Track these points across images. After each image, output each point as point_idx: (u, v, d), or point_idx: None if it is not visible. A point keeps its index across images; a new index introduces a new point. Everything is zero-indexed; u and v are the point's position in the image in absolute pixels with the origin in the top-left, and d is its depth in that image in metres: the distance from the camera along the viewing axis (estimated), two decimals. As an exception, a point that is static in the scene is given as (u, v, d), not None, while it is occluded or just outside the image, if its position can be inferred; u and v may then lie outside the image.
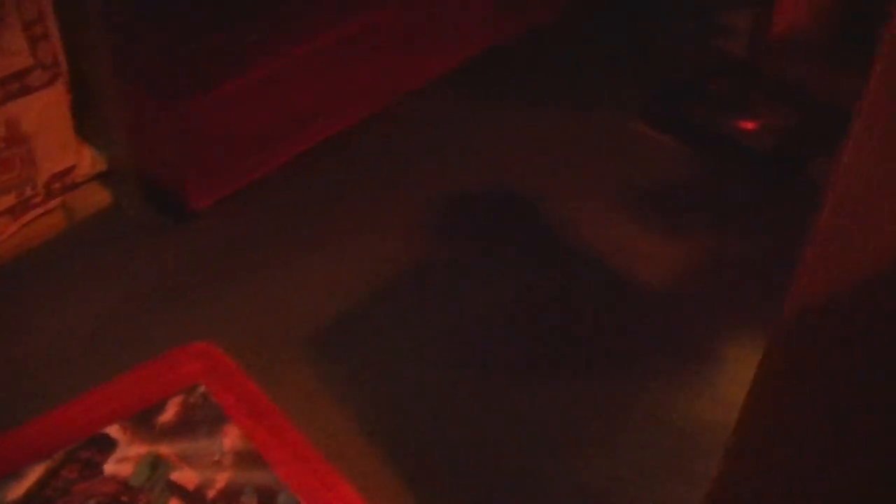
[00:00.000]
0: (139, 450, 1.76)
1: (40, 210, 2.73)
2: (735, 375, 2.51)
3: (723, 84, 3.33)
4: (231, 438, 1.78)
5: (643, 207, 3.00)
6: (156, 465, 1.74)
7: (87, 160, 2.78)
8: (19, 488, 1.69)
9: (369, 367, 2.53)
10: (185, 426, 1.80)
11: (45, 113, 2.61)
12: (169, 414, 1.82)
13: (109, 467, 1.74)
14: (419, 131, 3.18)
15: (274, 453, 1.76)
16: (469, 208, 2.98)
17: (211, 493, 1.70)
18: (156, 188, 2.87)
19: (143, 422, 1.80)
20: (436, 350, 2.58)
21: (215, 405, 1.82)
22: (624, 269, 2.82)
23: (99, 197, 2.85)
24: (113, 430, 1.78)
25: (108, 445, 1.76)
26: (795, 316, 1.66)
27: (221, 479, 1.73)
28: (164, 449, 1.76)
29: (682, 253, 2.87)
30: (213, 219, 2.85)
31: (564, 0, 3.58)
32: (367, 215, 2.91)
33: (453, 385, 2.51)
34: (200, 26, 2.82)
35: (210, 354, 1.93)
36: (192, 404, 1.83)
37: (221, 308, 2.64)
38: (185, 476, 1.73)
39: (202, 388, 1.85)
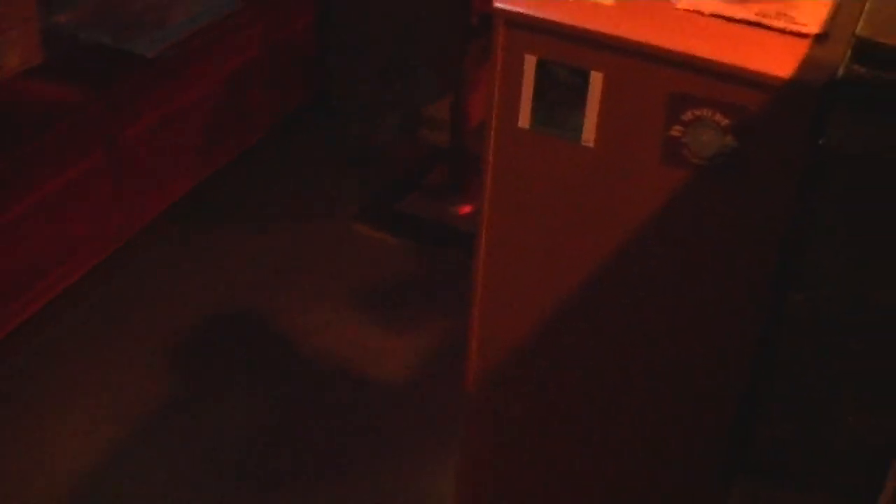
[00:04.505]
0: None
1: None
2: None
3: (434, 174, 3.48)
4: None
5: (372, 306, 3.08)
6: None
7: None
8: None
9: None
10: None
11: None
12: None
13: None
14: (144, 274, 3.17)
15: None
16: (204, 338, 2.99)
17: None
18: None
19: None
20: (197, 482, 2.57)
21: None
22: (363, 369, 2.89)
23: None
24: None
25: None
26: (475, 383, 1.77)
27: None
28: None
29: (415, 343, 2.96)
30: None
31: (271, 118, 3.67)
32: (103, 365, 2.88)
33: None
34: None
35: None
36: None
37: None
38: None
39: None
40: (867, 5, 1.42)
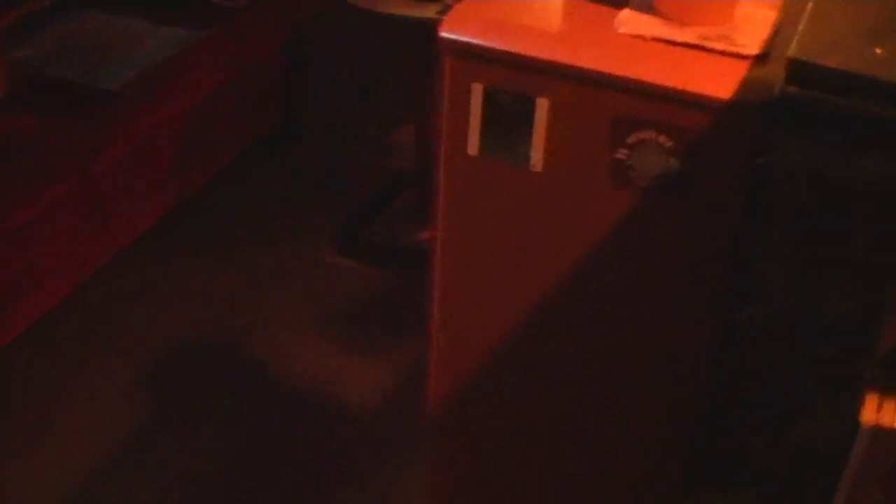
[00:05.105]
0: None
1: None
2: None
3: (401, 200, 3.50)
4: None
5: (344, 334, 3.10)
6: None
7: None
8: None
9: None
10: None
11: None
12: None
13: None
14: (113, 304, 3.18)
15: None
16: (182, 364, 3.00)
17: None
18: None
19: None
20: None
21: None
22: (337, 395, 2.91)
23: None
24: None
25: None
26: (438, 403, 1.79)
27: None
28: None
29: (388, 370, 2.98)
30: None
31: (239, 145, 3.70)
32: (81, 391, 2.89)
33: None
34: None
35: None
36: None
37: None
38: None
39: None
40: (801, 26, 1.46)
